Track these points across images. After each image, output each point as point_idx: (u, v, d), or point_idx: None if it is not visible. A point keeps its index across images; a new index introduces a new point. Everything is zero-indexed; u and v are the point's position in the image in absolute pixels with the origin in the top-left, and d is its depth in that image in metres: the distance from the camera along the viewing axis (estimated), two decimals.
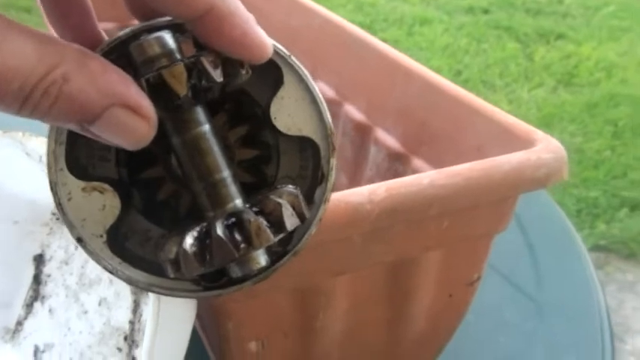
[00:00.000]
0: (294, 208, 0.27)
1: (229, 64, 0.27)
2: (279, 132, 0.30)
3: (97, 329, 0.44)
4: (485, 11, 2.99)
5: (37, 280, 0.49)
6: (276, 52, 0.28)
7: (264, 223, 0.26)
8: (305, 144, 0.30)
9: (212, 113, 0.29)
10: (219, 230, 0.26)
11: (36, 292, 0.49)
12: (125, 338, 0.42)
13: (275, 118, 0.29)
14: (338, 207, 0.36)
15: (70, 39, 0.29)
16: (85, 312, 0.45)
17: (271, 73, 0.29)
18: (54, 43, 0.23)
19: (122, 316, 0.43)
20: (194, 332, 0.45)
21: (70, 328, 0.46)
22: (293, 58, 0.29)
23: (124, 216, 0.30)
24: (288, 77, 0.29)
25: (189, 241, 0.26)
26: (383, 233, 0.39)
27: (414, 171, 0.50)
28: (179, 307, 0.37)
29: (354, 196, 0.36)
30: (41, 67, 0.22)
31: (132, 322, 0.42)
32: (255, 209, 0.27)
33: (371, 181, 0.56)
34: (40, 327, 0.48)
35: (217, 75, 0.26)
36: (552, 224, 0.75)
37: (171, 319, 0.36)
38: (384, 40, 0.55)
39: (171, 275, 0.27)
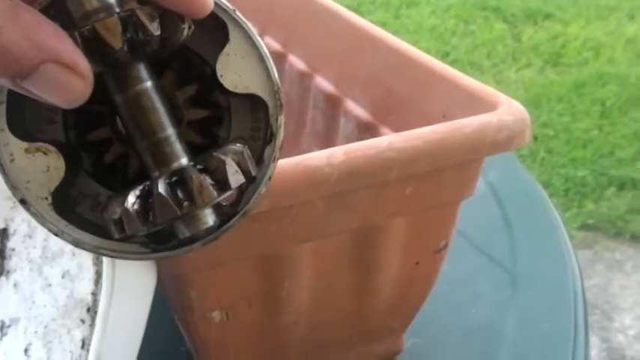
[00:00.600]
0: (239, 166, 0.27)
1: (168, 18, 0.26)
2: (228, 91, 0.29)
3: (60, 302, 0.44)
4: None
5: (2, 254, 0.48)
6: (220, 7, 0.28)
7: (208, 180, 0.26)
8: (256, 105, 0.30)
9: (159, 72, 0.28)
10: (161, 188, 0.25)
11: (1, 267, 0.48)
12: (88, 310, 0.42)
13: (221, 75, 0.29)
14: (296, 170, 0.36)
15: None
16: (49, 285, 0.45)
17: (218, 29, 0.29)
18: None
19: (85, 287, 0.43)
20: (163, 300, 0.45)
21: (35, 301, 0.45)
22: (238, 13, 0.28)
23: (74, 179, 0.29)
24: (233, 34, 0.28)
25: (131, 200, 0.26)
26: (345, 199, 0.39)
27: None
28: (137, 273, 0.36)
29: (312, 159, 0.36)
30: None
31: (94, 294, 0.42)
32: (199, 167, 0.26)
33: None
34: (6, 302, 0.47)
35: (154, 28, 0.25)
36: (530, 199, 0.74)
37: (128, 286, 0.36)
38: (372, 23, 0.54)
39: (116, 236, 0.27)
